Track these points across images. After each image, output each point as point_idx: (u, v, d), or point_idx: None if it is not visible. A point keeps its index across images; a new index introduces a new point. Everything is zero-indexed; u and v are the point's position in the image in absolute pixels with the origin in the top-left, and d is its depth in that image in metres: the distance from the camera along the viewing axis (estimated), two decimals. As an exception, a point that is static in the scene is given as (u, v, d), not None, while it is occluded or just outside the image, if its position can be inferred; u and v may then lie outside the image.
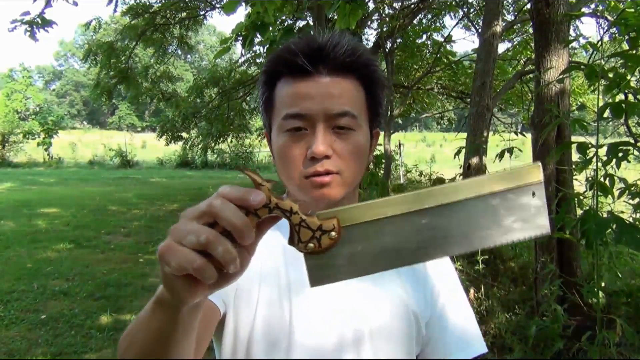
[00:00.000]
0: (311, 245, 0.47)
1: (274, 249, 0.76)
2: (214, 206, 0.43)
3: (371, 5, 8.75)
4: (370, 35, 11.36)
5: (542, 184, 0.48)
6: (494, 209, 0.48)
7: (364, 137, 0.73)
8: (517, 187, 0.48)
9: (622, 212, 2.35)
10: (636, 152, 2.04)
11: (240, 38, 2.93)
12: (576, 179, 3.04)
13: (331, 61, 0.70)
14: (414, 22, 9.75)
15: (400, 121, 13.18)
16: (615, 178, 1.99)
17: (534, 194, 0.48)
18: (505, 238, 0.49)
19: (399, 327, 0.76)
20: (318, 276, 0.49)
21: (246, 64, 11.32)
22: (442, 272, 0.83)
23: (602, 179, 1.94)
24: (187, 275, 0.43)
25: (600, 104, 2.03)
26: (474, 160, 4.93)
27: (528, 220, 0.48)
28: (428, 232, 0.48)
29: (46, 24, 4.59)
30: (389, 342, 0.75)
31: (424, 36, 10.07)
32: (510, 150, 3.08)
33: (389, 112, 8.04)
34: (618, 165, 1.95)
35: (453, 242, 0.49)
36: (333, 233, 0.47)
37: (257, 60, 10.46)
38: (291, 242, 0.47)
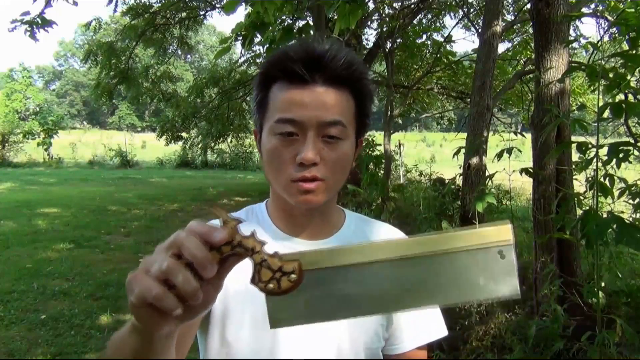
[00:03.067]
0: (271, 285, 0.47)
1: None
2: (179, 237, 0.45)
3: (371, 5, 8.75)
4: (370, 35, 11.37)
5: (512, 245, 0.47)
6: (461, 267, 0.47)
7: (350, 146, 0.76)
8: (485, 247, 0.47)
9: (622, 212, 2.35)
10: (636, 152, 2.04)
11: (240, 38, 2.93)
12: (576, 179, 3.04)
13: (328, 72, 0.72)
14: (414, 22, 9.75)
15: (400, 121, 13.16)
16: (615, 178, 1.99)
17: (501, 254, 0.47)
18: (472, 296, 0.48)
19: (375, 330, 0.80)
20: (277, 318, 0.49)
21: (246, 64, 11.31)
22: None
23: (602, 179, 1.94)
24: (151, 306, 0.44)
25: (600, 104, 2.03)
26: (474, 160, 4.93)
27: (497, 281, 0.47)
28: (389, 284, 0.48)
29: (46, 24, 4.59)
30: (369, 347, 0.80)
31: (424, 36, 10.07)
32: (510, 150, 3.08)
33: (389, 112, 8.04)
34: (618, 166, 1.95)
35: (415, 297, 0.48)
36: (293, 276, 0.47)
37: (257, 60, 10.45)
38: (252, 280, 0.47)
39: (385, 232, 0.90)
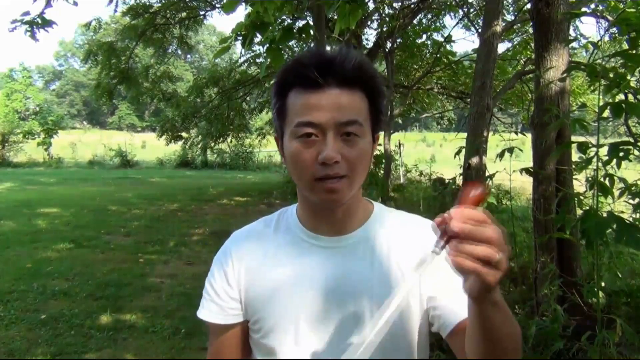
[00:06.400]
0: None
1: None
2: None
3: (371, 5, 8.75)
4: (370, 35, 11.36)
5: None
6: None
7: (367, 142, 0.80)
8: None
9: (622, 212, 2.34)
10: (636, 152, 2.03)
11: (240, 38, 2.93)
12: (576, 179, 3.03)
13: (340, 74, 0.76)
14: (414, 22, 9.74)
15: (400, 121, 13.17)
16: (615, 178, 1.99)
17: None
18: None
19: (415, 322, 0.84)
20: None
21: (246, 64, 11.31)
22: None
23: (602, 179, 1.94)
24: None
25: (601, 104, 2.02)
26: (474, 160, 4.92)
27: None
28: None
29: (46, 24, 4.58)
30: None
31: (424, 36, 10.07)
32: (511, 150, 3.07)
33: (389, 112, 8.03)
34: (618, 165, 1.95)
35: None
36: None
37: (257, 60, 10.46)
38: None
39: (415, 224, 0.89)
